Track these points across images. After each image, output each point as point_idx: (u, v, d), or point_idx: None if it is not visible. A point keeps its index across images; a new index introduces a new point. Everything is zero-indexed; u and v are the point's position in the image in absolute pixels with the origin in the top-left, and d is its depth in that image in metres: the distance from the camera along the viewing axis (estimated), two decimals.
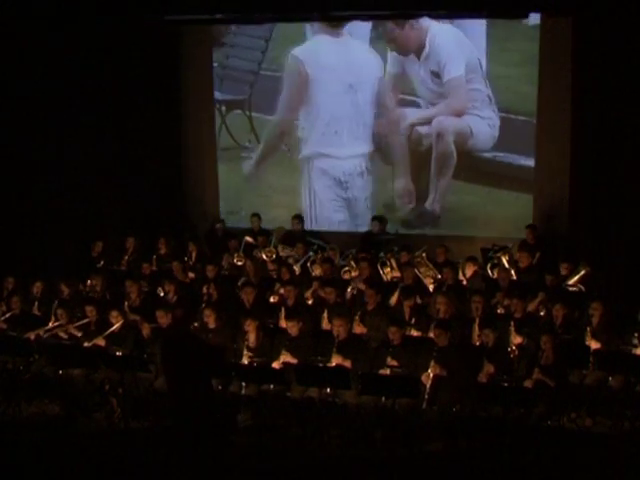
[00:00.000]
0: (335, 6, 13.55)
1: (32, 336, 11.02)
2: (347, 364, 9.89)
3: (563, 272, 12.05)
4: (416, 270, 12.34)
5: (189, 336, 8.74)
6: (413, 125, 14.64)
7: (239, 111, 15.61)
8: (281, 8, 13.73)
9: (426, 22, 14.24)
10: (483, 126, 14.34)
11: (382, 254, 13.16)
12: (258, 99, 15.44)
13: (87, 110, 14.70)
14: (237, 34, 15.45)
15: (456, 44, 14.22)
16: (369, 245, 13.85)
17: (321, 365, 9.93)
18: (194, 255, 13.78)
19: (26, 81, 14.15)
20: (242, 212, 15.59)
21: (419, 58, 14.37)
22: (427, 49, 14.32)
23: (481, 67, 14.17)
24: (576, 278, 11.85)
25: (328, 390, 9.60)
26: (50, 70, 14.25)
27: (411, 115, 14.66)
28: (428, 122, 14.53)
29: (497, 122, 14.27)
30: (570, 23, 13.44)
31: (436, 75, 14.37)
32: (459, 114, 14.34)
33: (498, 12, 13.35)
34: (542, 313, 11.12)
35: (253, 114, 15.53)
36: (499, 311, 11.30)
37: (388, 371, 9.74)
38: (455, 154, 14.46)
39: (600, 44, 13.11)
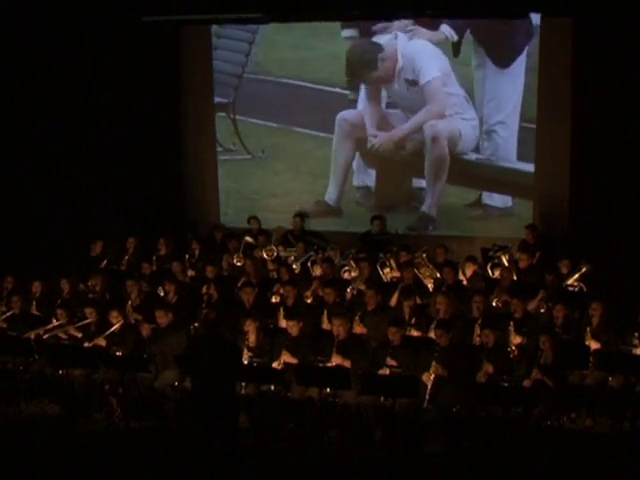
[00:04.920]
0: (333, 6, 13.54)
1: (32, 336, 11.02)
2: (347, 364, 9.89)
3: (563, 270, 12.07)
4: (416, 270, 12.34)
5: (221, 338, 8.75)
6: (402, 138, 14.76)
7: (223, 114, 15.64)
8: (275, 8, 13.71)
9: (391, 43, 14.43)
10: (468, 128, 14.42)
11: (382, 254, 13.16)
12: (242, 102, 15.49)
13: (88, 111, 14.72)
14: (221, 37, 15.47)
15: (426, 49, 14.34)
16: (369, 245, 13.85)
17: (321, 365, 9.94)
18: (197, 253, 13.78)
19: (26, 84, 14.17)
20: (227, 217, 15.68)
21: (394, 74, 14.51)
22: (400, 62, 14.45)
23: (453, 70, 14.27)
24: (576, 276, 11.86)
25: (328, 390, 9.60)
26: (50, 71, 14.26)
27: (398, 133, 14.71)
28: (417, 131, 14.59)
29: (477, 123, 14.36)
30: (570, 23, 13.45)
31: (412, 83, 14.44)
32: (440, 117, 14.42)
33: (498, 12, 13.34)
34: (542, 310, 11.13)
35: (237, 117, 15.56)
36: (494, 304, 11.32)
37: (388, 371, 9.75)
38: (448, 157, 14.51)
39: (600, 45, 13.11)
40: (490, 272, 12.72)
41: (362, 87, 14.86)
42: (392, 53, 14.49)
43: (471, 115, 14.37)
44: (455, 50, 14.27)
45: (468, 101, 14.34)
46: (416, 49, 14.40)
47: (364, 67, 14.66)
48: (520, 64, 14.04)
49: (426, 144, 14.57)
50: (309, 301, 11.84)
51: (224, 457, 8.45)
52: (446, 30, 14.20)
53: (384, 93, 14.75)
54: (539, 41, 13.89)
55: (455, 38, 14.22)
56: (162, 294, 12.11)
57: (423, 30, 14.32)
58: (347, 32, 14.85)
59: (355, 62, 14.72)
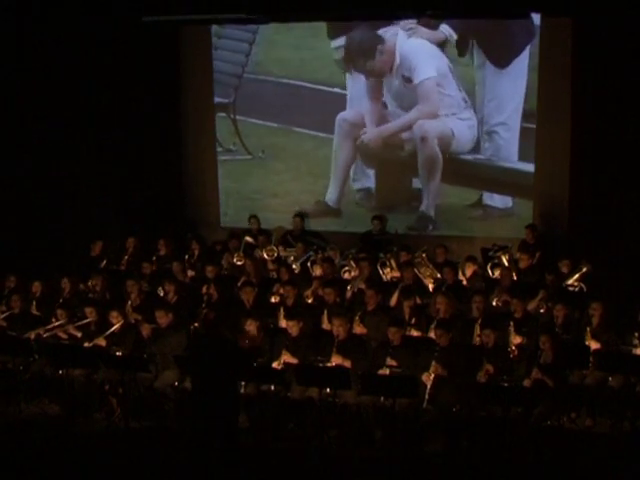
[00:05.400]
0: (333, 7, 13.53)
1: (32, 336, 11.02)
2: (347, 364, 9.89)
3: (563, 269, 12.07)
4: (416, 270, 12.34)
5: (221, 338, 8.74)
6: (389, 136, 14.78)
7: (223, 114, 15.65)
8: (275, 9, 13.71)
9: (392, 38, 14.40)
10: (463, 127, 14.42)
11: (382, 254, 13.16)
12: (242, 102, 15.49)
13: (88, 111, 14.72)
14: (221, 37, 15.47)
15: (423, 49, 14.34)
16: (369, 245, 13.85)
17: (321, 365, 9.94)
18: (196, 253, 13.78)
19: (26, 84, 14.18)
20: (227, 217, 15.73)
21: (392, 71, 14.51)
22: (398, 60, 14.46)
23: (451, 72, 14.27)
24: (576, 276, 11.87)
25: (328, 390, 9.60)
26: (50, 71, 14.26)
27: (388, 129, 14.75)
28: (406, 129, 14.60)
29: (475, 123, 14.37)
30: (570, 23, 13.45)
31: (407, 80, 14.45)
32: (432, 117, 14.43)
33: (498, 12, 13.34)
34: (542, 310, 11.13)
35: (237, 117, 15.57)
36: (494, 303, 11.32)
37: (388, 371, 9.75)
38: (440, 157, 14.50)
39: (600, 45, 13.11)
40: (490, 272, 12.71)
41: (362, 85, 14.83)
42: (391, 48, 14.46)
43: (467, 115, 14.36)
44: (460, 50, 14.23)
45: (466, 101, 14.32)
46: (413, 48, 14.39)
47: (362, 54, 14.62)
48: (522, 65, 14.03)
49: (417, 144, 14.58)
50: (309, 301, 11.83)
51: (224, 457, 8.45)
52: (445, 30, 14.20)
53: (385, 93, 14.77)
54: (539, 41, 13.89)
55: (455, 38, 14.21)
56: (162, 294, 12.10)
57: (423, 29, 14.31)
58: (337, 42, 14.85)
59: (354, 47, 14.68)
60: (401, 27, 14.39)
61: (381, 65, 14.56)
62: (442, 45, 14.31)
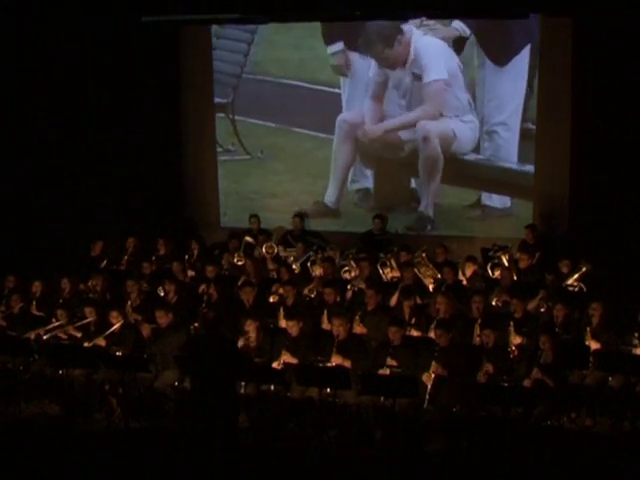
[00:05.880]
0: (331, 7, 13.53)
1: (32, 336, 11.02)
2: (347, 364, 9.90)
3: (563, 269, 12.07)
4: (416, 270, 12.34)
5: (221, 338, 8.74)
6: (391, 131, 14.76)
7: (222, 114, 15.65)
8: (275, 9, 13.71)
9: (409, 32, 14.35)
10: (465, 129, 14.40)
11: (382, 254, 13.16)
12: (241, 102, 15.49)
13: (88, 111, 14.72)
14: (220, 37, 15.47)
15: (437, 48, 14.30)
16: (369, 245, 13.85)
17: (321, 365, 9.94)
18: (196, 253, 13.78)
19: (26, 84, 14.20)
20: (226, 217, 15.75)
21: (405, 67, 14.48)
22: (412, 56, 14.42)
23: (462, 73, 14.24)
24: (576, 276, 11.87)
25: (328, 390, 9.60)
26: (50, 71, 14.28)
27: (388, 124, 14.74)
28: (407, 127, 14.58)
29: (477, 125, 14.36)
30: (570, 23, 13.45)
31: (417, 78, 14.43)
32: (434, 118, 14.41)
33: (498, 12, 13.34)
34: (542, 310, 11.13)
35: (236, 117, 15.56)
36: (494, 303, 11.32)
37: (388, 371, 9.75)
38: (442, 157, 14.49)
39: (600, 45, 13.12)
40: (490, 272, 12.71)
41: (360, 86, 14.81)
42: (407, 42, 14.40)
43: (470, 118, 14.35)
44: (458, 47, 14.23)
45: (471, 104, 14.31)
46: (427, 46, 14.33)
47: (382, 40, 14.49)
48: (521, 65, 14.01)
49: (418, 144, 14.57)
50: (312, 296, 11.84)
51: (224, 457, 8.45)
52: (458, 26, 14.12)
53: (387, 95, 14.73)
54: (539, 41, 13.89)
55: (467, 33, 14.13)
56: (162, 294, 12.10)
57: (438, 25, 14.22)
58: (334, 47, 14.84)
59: (374, 31, 14.52)
60: (414, 24, 14.28)
61: (396, 56, 14.47)
62: (457, 43, 14.22)
